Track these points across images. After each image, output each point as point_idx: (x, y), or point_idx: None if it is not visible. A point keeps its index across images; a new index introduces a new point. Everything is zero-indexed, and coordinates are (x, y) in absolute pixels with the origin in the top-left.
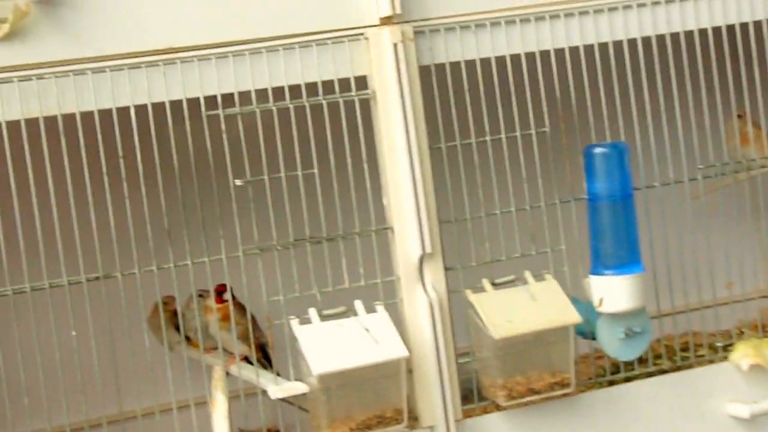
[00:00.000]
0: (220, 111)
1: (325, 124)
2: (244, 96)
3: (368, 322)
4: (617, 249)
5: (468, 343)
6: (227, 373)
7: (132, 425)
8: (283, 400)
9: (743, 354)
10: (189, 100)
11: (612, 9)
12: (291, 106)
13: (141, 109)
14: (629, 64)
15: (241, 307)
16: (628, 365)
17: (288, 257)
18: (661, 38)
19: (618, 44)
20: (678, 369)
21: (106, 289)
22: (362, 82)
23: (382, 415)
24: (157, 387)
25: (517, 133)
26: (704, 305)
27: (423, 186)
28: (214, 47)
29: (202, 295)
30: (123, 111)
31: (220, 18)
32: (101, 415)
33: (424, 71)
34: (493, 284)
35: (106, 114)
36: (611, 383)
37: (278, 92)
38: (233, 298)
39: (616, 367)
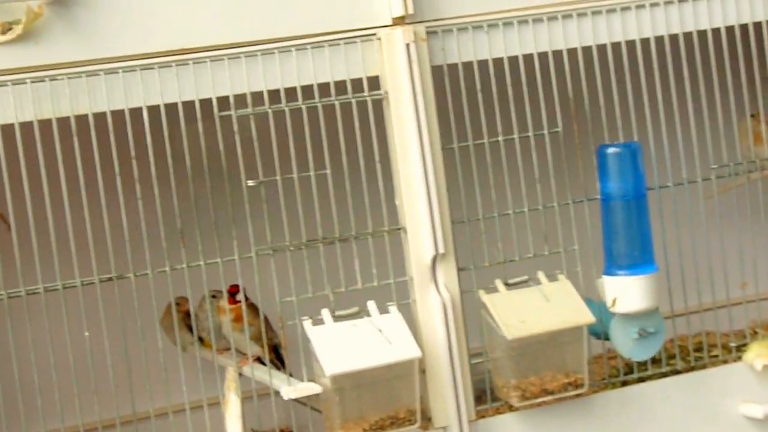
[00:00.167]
0: (232, 112)
1: (338, 124)
2: (257, 96)
3: (381, 323)
4: (630, 249)
5: (481, 343)
6: (240, 374)
7: (145, 426)
8: (296, 400)
9: (757, 354)
10: (201, 101)
11: (625, 8)
12: (303, 107)
13: (154, 110)
14: (642, 63)
15: (254, 308)
16: (642, 365)
17: (301, 258)
18: (674, 37)
19: (631, 43)
20: (691, 369)
21: (119, 289)
22: (375, 82)
23: (395, 416)
24: (170, 387)
25: (530, 133)
26: (718, 305)
27: (436, 186)
28: (227, 48)
29: (215, 295)
30: (135, 112)
31: (233, 19)
32: (114, 416)
33: (437, 71)
34: (506, 284)
35: (118, 115)
36: (624, 384)
37: (291, 93)
38: (246, 298)
39: (629, 368)
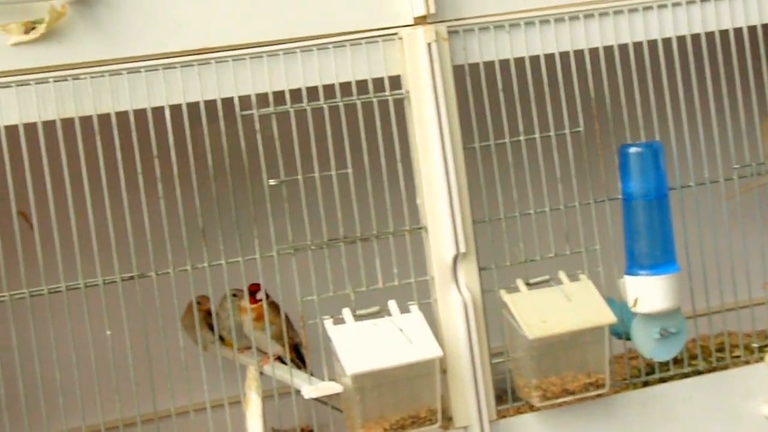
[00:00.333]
0: (254, 111)
1: (359, 123)
2: (278, 96)
3: (402, 322)
4: (652, 249)
5: (502, 343)
6: (261, 373)
7: (166, 424)
8: (316, 400)
9: None
10: (223, 100)
11: (647, 8)
12: (325, 106)
13: (176, 109)
14: (664, 63)
15: (275, 307)
16: (663, 366)
17: (322, 257)
18: (696, 37)
19: (653, 43)
20: (713, 370)
21: (141, 288)
22: (396, 81)
23: (416, 415)
24: (191, 386)
25: (552, 133)
26: (740, 305)
27: (457, 186)
28: (249, 47)
29: (236, 294)
30: (158, 111)
31: (255, 18)
32: (135, 414)
33: (458, 71)
34: (528, 284)
35: (141, 114)
36: (646, 384)
37: (312, 92)
38: (267, 297)
39: (650, 368)
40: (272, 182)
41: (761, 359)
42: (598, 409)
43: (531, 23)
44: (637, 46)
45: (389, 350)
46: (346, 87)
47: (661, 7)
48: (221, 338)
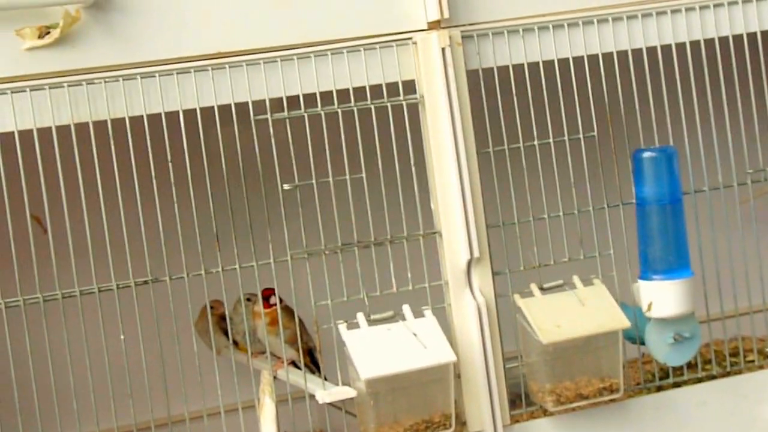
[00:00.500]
0: (268, 115)
1: (374, 128)
2: (293, 100)
3: (416, 327)
4: (666, 253)
5: (516, 347)
6: (275, 378)
7: (180, 429)
8: (330, 404)
9: None
10: (237, 105)
11: (660, 12)
12: (339, 111)
13: (190, 114)
14: (678, 67)
15: (289, 312)
16: (677, 370)
17: (336, 261)
18: (709, 41)
19: (666, 48)
20: (727, 375)
21: (155, 293)
22: (410, 86)
23: (430, 420)
24: (205, 391)
25: (566, 138)
26: (754, 310)
27: (471, 190)
28: (263, 52)
29: (249, 299)
30: (172, 115)
31: (269, 23)
32: (149, 419)
33: (472, 75)
34: (542, 289)
35: (155, 118)
36: (660, 389)
37: (326, 96)
38: (281, 302)
39: (664, 373)
40: (286, 187)
41: None
42: (611, 413)
43: (545, 28)
44: (651, 50)
45: (403, 355)
46: (360, 91)
47: (675, 11)
48: (235, 343)
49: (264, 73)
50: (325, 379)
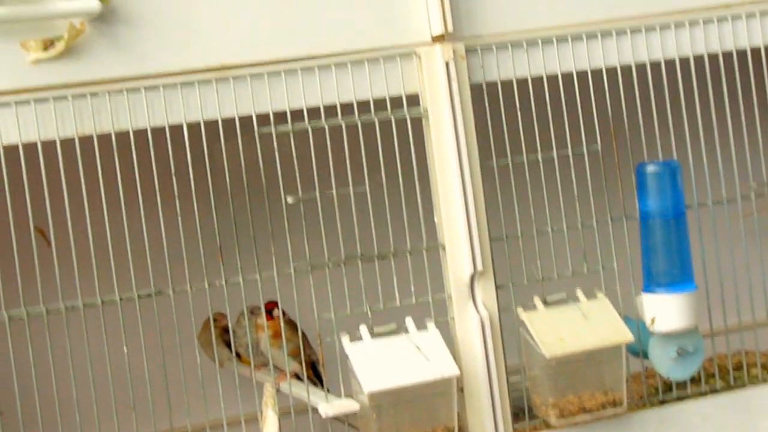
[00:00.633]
0: (272, 128)
1: (377, 141)
2: (296, 113)
3: (419, 340)
4: (669, 267)
5: (519, 361)
6: (278, 390)
7: None
8: (333, 417)
9: None
10: (241, 118)
11: (664, 27)
12: (343, 124)
13: (193, 127)
14: (681, 81)
15: (292, 325)
16: (681, 385)
17: (339, 274)
18: (713, 56)
19: (670, 62)
20: (730, 389)
21: (158, 305)
22: (414, 99)
23: None
24: (208, 403)
25: (569, 151)
26: (757, 324)
27: (474, 204)
28: (267, 65)
29: (253, 311)
30: (176, 128)
31: (273, 35)
32: (152, 431)
33: (476, 89)
34: (545, 302)
35: (158, 131)
36: (663, 403)
37: (330, 109)
38: (284, 314)
39: (668, 387)
40: (290, 200)
41: None
42: (615, 427)
43: (549, 42)
44: (655, 64)
45: (406, 368)
46: (363, 104)
47: (679, 26)
48: (238, 355)
49: (268, 86)
50: (328, 391)
